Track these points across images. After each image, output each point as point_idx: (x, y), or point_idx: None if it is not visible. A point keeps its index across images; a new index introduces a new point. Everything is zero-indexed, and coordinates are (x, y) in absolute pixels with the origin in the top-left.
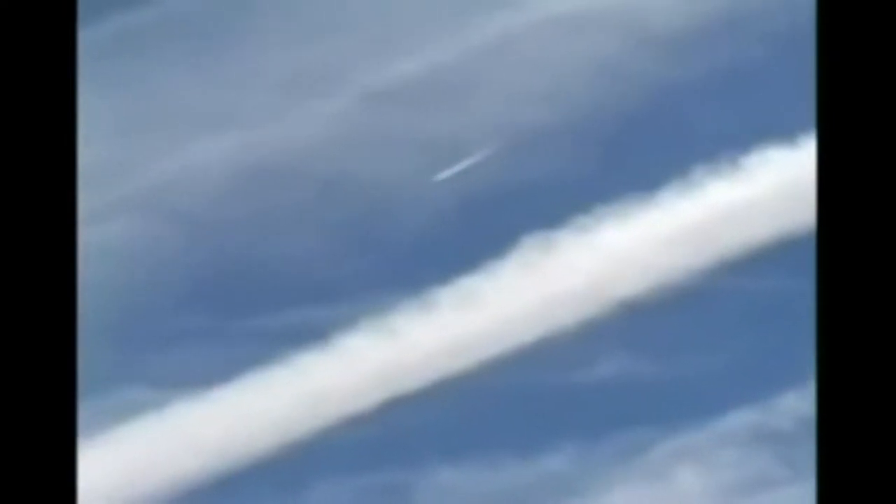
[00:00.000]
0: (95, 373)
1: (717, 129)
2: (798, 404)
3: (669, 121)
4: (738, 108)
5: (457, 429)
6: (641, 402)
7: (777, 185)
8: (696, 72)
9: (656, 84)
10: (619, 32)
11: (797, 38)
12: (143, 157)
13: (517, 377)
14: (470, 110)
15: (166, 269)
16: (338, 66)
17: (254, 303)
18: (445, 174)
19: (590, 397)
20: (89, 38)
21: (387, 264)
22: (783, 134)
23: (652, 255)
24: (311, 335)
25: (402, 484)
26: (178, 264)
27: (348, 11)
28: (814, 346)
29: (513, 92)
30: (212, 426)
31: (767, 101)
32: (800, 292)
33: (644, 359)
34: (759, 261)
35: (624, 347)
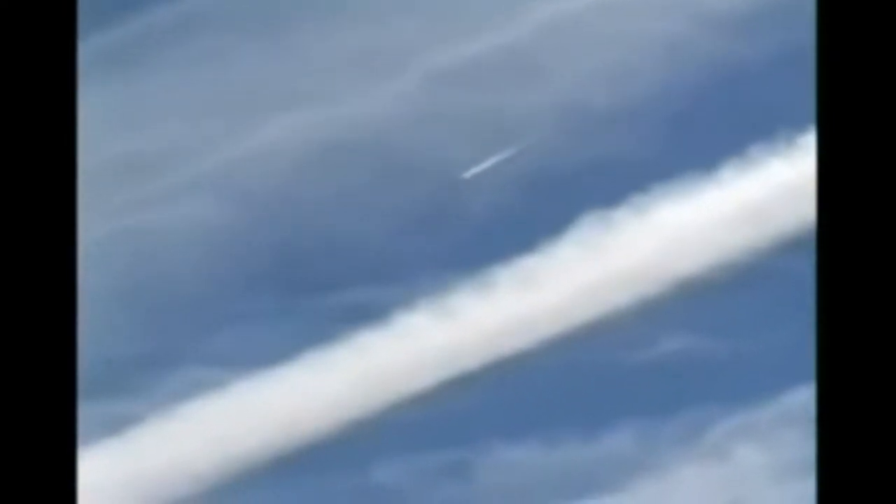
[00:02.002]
0: (160, 352)
1: (776, 108)
2: None
3: (729, 100)
4: (797, 87)
5: (517, 408)
6: (701, 381)
7: None
8: (756, 52)
9: (717, 64)
10: (681, 13)
11: None
12: (211, 138)
13: (577, 356)
14: (535, 90)
15: (230, 249)
16: (405, 47)
17: (315, 282)
18: (473, 171)
19: (650, 376)
20: (155, 21)
21: (447, 244)
22: None
23: (710, 233)
24: (372, 314)
25: (463, 462)
26: (242, 244)
27: None
28: (814, 345)
29: (577, 72)
30: (274, 405)
31: None
32: None
33: (704, 337)
34: None
35: (683, 326)
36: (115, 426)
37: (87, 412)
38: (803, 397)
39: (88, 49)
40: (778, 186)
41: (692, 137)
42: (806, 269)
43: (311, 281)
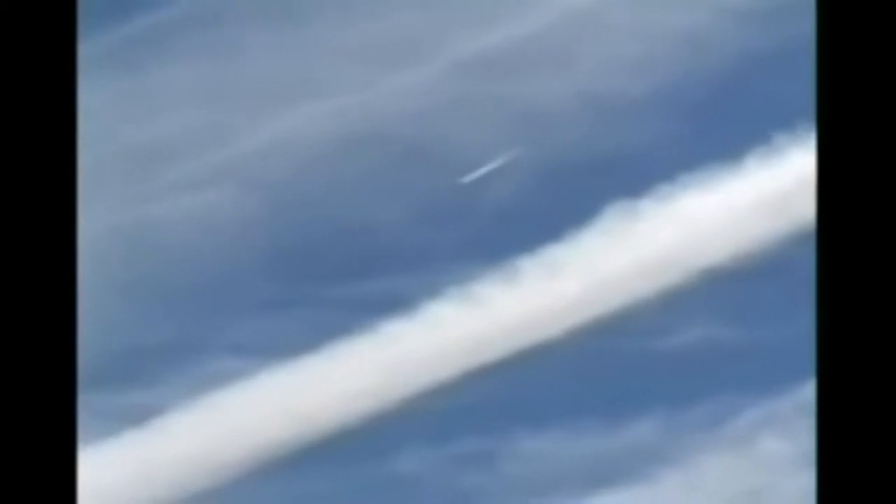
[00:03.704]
0: (183, 342)
1: (800, 97)
2: None
3: (753, 89)
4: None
5: (541, 397)
6: (726, 370)
7: None
8: (780, 41)
9: (742, 54)
10: (705, 2)
11: None
12: (231, 127)
13: (601, 346)
14: (558, 80)
15: (254, 238)
16: (427, 36)
17: (339, 271)
18: (470, 177)
19: (674, 365)
20: (168, 13)
21: (471, 233)
22: None
23: (735, 223)
24: (397, 304)
25: (487, 452)
26: (266, 233)
27: None
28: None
29: (601, 62)
30: (298, 395)
31: None
32: None
33: (728, 327)
34: None
35: (708, 315)
36: (138, 417)
37: (108, 403)
38: None
39: (101, 42)
40: (802, 176)
41: (717, 127)
42: None
43: (334, 270)
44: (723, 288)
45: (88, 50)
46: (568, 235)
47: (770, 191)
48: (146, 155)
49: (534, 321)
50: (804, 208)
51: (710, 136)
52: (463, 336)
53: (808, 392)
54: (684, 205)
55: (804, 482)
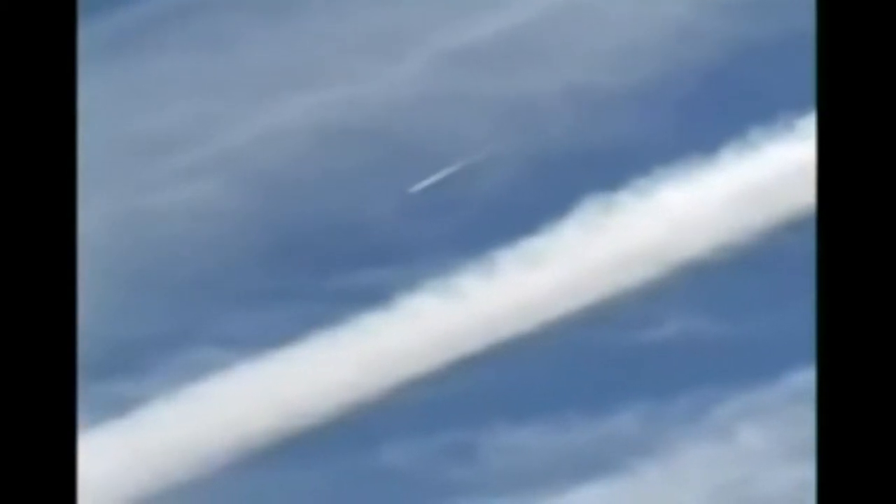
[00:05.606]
0: (166, 333)
1: (777, 91)
2: None
3: (732, 84)
4: (798, 71)
5: (522, 389)
6: (706, 362)
7: None
8: (761, 35)
9: (722, 48)
10: None
11: None
12: (219, 120)
13: (581, 338)
14: (543, 72)
15: (236, 230)
16: (414, 28)
17: (322, 265)
18: (420, 186)
19: (654, 357)
20: (162, 3)
21: (451, 226)
22: None
23: (713, 215)
24: (377, 296)
25: (468, 444)
26: (248, 226)
27: None
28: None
29: (583, 55)
30: (280, 387)
31: None
32: None
33: (708, 319)
34: None
35: (687, 308)
36: (122, 407)
37: (93, 393)
38: (807, 378)
39: (96, 31)
40: (778, 169)
41: (694, 120)
42: (807, 250)
43: (316, 263)
44: (702, 280)
45: (82, 41)
46: (547, 228)
47: (747, 183)
48: (140, 146)
49: (513, 313)
50: (780, 201)
51: (687, 129)
52: (443, 328)
53: (789, 383)
54: (662, 198)
55: (785, 473)
